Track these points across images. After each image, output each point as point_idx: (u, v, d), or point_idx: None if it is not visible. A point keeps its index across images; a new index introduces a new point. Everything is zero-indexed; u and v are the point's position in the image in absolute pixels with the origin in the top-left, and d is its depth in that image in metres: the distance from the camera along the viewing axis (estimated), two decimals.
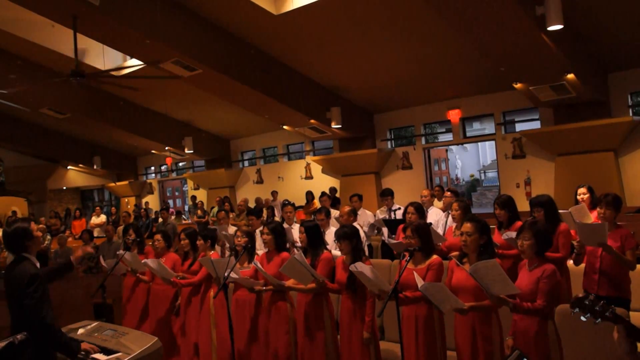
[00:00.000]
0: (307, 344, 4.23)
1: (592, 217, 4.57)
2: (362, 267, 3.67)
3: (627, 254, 4.06)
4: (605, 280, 4.11)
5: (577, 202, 5.02)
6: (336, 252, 5.24)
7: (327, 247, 5.11)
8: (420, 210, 5.61)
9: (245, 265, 4.71)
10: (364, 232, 6.53)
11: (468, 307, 3.34)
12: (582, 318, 2.18)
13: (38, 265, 3.31)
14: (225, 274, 4.29)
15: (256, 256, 4.80)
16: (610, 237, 4.10)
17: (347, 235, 4.09)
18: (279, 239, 4.61)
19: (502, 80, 10.10)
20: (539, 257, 3.32)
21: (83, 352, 3.36)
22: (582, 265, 4.38)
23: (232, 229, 7.15)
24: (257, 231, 6.46)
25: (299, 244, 5.73)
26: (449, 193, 6.50)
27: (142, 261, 5.21)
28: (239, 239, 4.73)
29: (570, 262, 4.50)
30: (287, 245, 5.12)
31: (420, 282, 3.39)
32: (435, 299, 3.38)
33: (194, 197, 16.64)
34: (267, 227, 4.62)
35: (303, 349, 4.26)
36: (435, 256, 3.83)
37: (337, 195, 13.63)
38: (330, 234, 5.95)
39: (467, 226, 3.52)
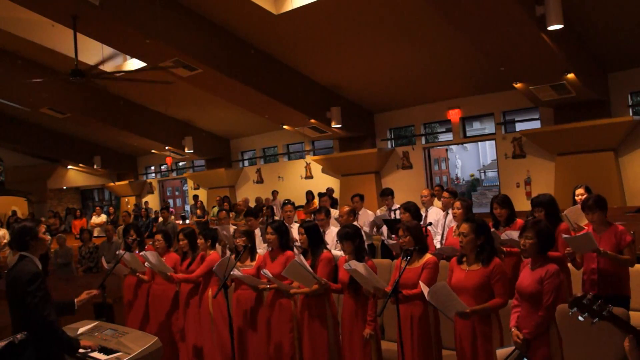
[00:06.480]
0: (309, 342, 4.24)
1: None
2: (355, 265, 3.71)
3: (625, 251, 4.03)
4: (605, 280, 4.09)
5: (575, 202, 5.00)
6: (336, 252, 5.25)
7: (327, 247, 5.11)
8: (411, 209, 5.60)
9: (247, 263, 4.72)
10: (365, 232, 6.53)
11: (470, 311, 3.35)
12: (580, 318, 2.18)
13: (40, 266, 3.32)
14: (226, 274, 4.29)
15: (259, 256, 4.80)
16: (604, 237, 4.09)
17: (350, 235, 4.10)
18: (283, 238, 4.61)
19: (502, 80, 10.10)
20: (541, 256, 3.32)
21: (83, 350, 3.36)
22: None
23: (233, 229, 7.14)
24: (257, 230, 6.46)
25: (298, 243, 5.73)
26: (446, 194, 6.48)
27: (141, 253, 5.21)
28: (238, 240, 4.73)
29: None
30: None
31: (426, 290, 3.42)
32: (442, 304, 3.39)
33: (195, 197, 16.65)
34: (271, 226, 4.62)
35: (305, 347, 4.28)
36: (429, 255, 3.87)
37: (335, 195, 13.63)
38: (330, 234, 5.94)
39: (464, 227, 3.56)
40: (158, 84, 10.35)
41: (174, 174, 21.40)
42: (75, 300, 3.70)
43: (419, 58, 10.53)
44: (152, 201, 20.78)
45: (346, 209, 6.37)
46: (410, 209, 5.60)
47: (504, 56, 8.90)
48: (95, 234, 12.74)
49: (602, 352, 3.58)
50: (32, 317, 3.12)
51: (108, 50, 11.49)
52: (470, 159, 27.54)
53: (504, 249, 4.54)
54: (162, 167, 21.40)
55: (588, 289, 4.17)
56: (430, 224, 6.02)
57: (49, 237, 3.52)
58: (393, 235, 6.22)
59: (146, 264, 5.18)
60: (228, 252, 6.57)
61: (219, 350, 4.84)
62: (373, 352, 3.99)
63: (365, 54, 10.54)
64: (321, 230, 5.29)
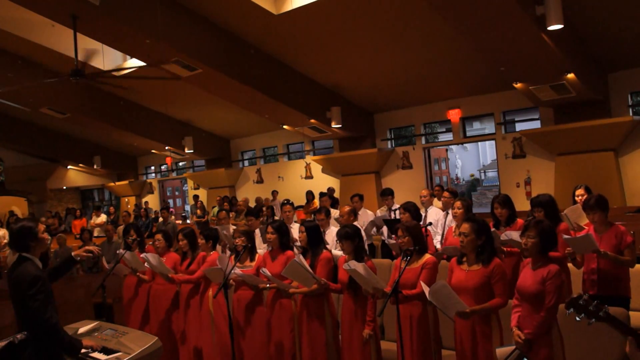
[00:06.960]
0: (307, 342, 4.24)
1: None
2: (355, 265, 3.71)
3: (625, 252, 4.02)
4: (604, 280, 4.08)
5: (575, 202, 5.00)
6: (336, 252, 5.25)
7: (327, 246, 5.11)
8: (411, 209, 5.61)
9: (247, 263, 4.71)
10: (364, 231, 6.53)
11: (470, 310, 3.36)
12: (577, 318, 2.18)
13: (41, 266, 3.31)
14: (226, 274, 4.29)
15: (258, 256, 4.80)
16: (605, 237, 4.08)
17: (349, 235, 4.10)
18: (283, 238, 4.61)
19: (502, 80, 10.10)
20: (542, 256, 3.32)
21: (84, 350, 3.36)
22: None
23: (233, 229, 7.14)
24: (257, 230, 6.46)
25: (298, 243, 5.73)
26: (447, 194, 6.48)
27: (142, 255, 5.21)
28: (237, 240, 4.72)
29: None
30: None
31: (426, 290, 3.42)
32: (442, 304, 3.39)
33: (196, 197, 16.66)
34: (271, 226, 4.62)
35: (304, 347, 4.28)
36: (428, 255, 3.88)
37: (336, 195, 13.62)
38: (330, 234, 5.95)
39: (465, 227, 3.56)
40: (154, 80, 10.32)
41: (174, 174, 21.40)
42: (73, 253, 3.69)
43: (419, 58, 10.53)
44: (152, 201, 20.78)
45: (347, 208, 6.37)
46: (410, 209, 5.60)
47: (504, 56, 8.90)
48: (95, 234, 12.74)
49: (603, 352, 3.59)
50: (33, 319, 3.11)
51: (109, 50, 11.48)
52: (470, 159, 27.53)
53: (504, 249, 4.54)
54: (162, 167, 21.41)
55: (588, 288, 4.17)
56: (430, 224, 6.02)
57: (48, 236, 3.48)
58: (393, 235, 6.23)
59: (146, 264, 5.18)
60: (228, 252, 6.57)
61: (219, 350, 4.84)
62: (372, 352, 3.99)
63: (365, 54, 10.54)
64: (321, 230, 5.29)
